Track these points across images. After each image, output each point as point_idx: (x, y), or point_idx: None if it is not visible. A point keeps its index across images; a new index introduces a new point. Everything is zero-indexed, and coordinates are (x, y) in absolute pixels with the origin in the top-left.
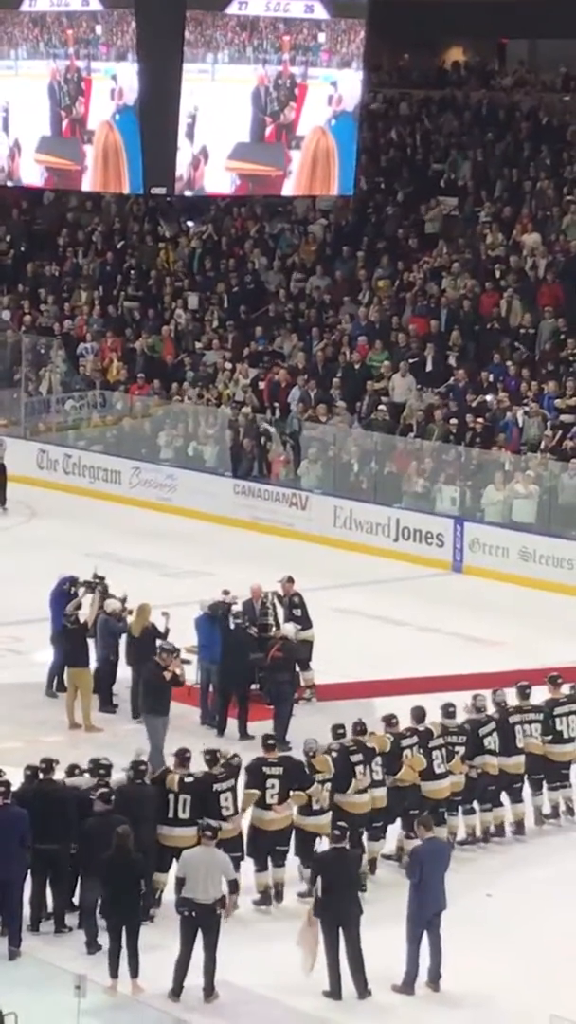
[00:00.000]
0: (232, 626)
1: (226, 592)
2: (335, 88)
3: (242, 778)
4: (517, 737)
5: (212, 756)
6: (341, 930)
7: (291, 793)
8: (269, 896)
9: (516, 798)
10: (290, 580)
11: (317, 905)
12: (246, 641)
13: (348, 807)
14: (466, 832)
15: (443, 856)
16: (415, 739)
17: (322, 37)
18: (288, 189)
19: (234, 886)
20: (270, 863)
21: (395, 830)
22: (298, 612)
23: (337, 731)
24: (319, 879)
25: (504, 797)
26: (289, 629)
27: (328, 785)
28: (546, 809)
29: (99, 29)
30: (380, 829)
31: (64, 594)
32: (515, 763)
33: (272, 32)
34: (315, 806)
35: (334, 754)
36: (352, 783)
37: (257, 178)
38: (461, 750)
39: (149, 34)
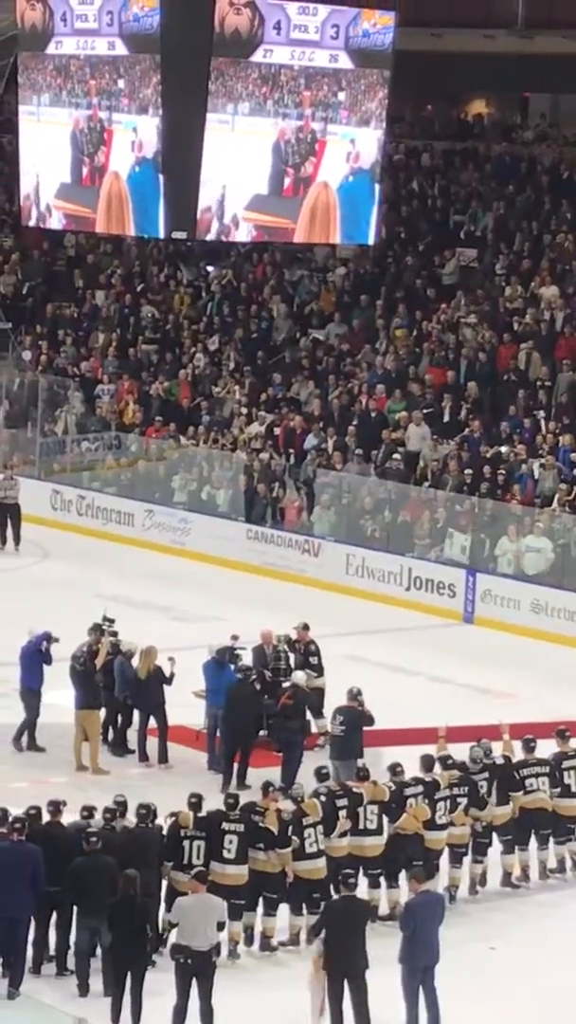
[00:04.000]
0: (239, 676)
1: (235, 637)
2: (353, 145)
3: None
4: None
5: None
6: (347, 981)
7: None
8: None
9: (507, 849)
10: (305, 627)
11: (323, 955)
12: (251, 694)
13: (329, 851)
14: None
15: (437, 909)
16: (420, 788)
17: (342, 95)
18: (296, 237)
19: (220, 927)
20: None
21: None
22: (314, 660)
23: (320, 771)
24: (324, 929)
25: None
26: (300, 676)
27: (320, 828)
28: (552, 863)
29: (121, 82)
30: (377, 876)
31: (38, 652)
32: (502, 813)
33: (294, 87)
34: (308, 849)
35: (322, 798)
36: (335, 827)
37: (271, 229)
38: (464, 801)
39: (175, 77)
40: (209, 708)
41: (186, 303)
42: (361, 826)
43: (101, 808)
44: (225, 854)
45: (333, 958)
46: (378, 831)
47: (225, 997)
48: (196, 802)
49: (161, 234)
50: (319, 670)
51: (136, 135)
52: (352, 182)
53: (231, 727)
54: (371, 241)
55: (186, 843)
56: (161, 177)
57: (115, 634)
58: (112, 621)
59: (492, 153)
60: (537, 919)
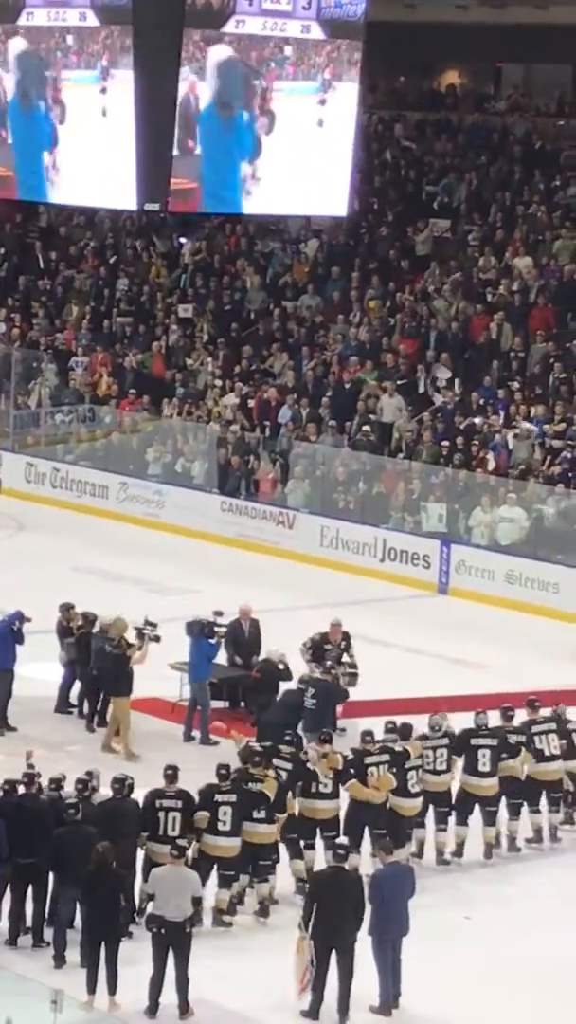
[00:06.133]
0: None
1: (219, 613)
2: (326, 109)
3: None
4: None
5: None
6: (334, 952)
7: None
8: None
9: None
10: (337, 624)
11: (311, 926)
12: (298, 705)
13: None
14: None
15: (405, 880)
16: (387, 757)
17: (314, 58)
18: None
19: (195, 901)
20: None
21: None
22: (348, 658)
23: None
24: (314, 900)
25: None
26: (274, 652)
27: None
28: (528, 833)
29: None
30: (332, 839)
31: (11, 632)
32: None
33: (265, 51)
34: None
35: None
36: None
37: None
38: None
39: (147, 48)
40: (191, 682)
41: (160, 275)
42: (314, 790)
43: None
44: (220, 826)
45: (321, 929)
46: (332, 795)
47: (206, 965)
48: (172, 773)
49: (134, 205)
50: (353, 668)
51: (104, 100)
52: (325, 147)
53: (267, 725)
54: (344, 212)
55: (161, 814)
56: (135, 149)
57: (157, 639)
58: (155, 625)
59: (465, 124)
60: (513, 887)
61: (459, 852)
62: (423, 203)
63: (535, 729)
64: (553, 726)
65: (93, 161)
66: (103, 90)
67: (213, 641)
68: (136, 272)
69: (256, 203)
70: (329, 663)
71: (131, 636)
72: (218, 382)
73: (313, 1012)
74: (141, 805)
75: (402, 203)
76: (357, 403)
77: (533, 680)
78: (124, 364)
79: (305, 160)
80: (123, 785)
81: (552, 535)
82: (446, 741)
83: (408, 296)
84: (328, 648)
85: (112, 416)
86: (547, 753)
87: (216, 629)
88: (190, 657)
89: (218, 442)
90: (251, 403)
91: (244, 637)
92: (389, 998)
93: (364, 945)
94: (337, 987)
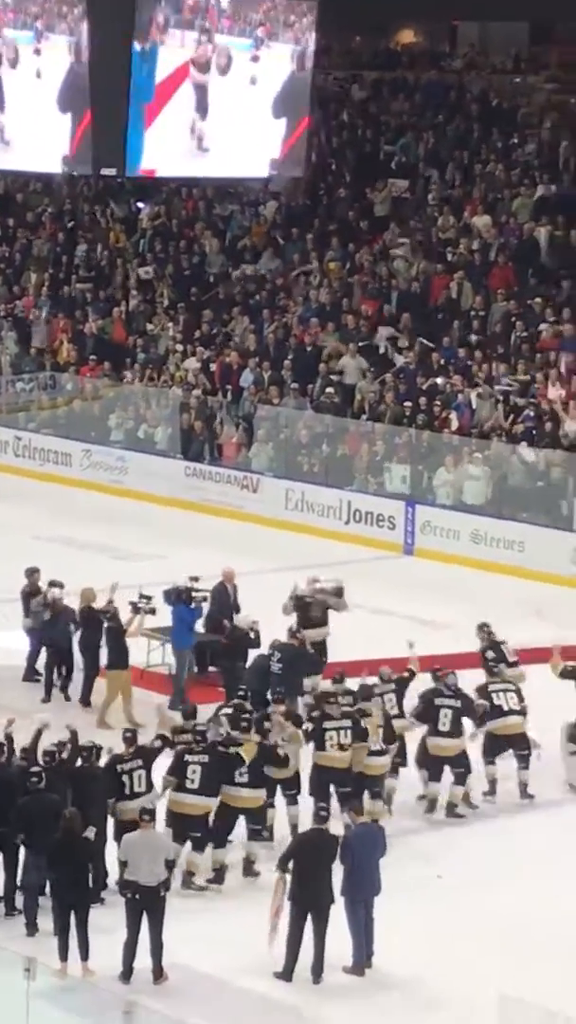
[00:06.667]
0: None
1: (194, 579)
2: (279, 68)
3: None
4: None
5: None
6: (311, 914)
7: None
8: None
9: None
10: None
11: (289, 887)
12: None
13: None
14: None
15: (375, 841)
16: (348, 723)
17: (271, 17)
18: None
19: (169, 865)
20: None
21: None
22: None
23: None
24: (292, 861)
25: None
26: (243, 619)
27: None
28: (484, 786)
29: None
30: (294, 795)
31: None
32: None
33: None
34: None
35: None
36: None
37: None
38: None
39: (101, 10)
40: (174, 651)
41: (119, 240)
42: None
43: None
44: (188, 784)
45: (300, 891)
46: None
47: (180, 929)
48: (130, 736)
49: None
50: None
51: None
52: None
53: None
54: (302, 174)
55: (125, 777)
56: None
57: (153, 611)
58: (149, 598)
59: (421, 83)
60: (483, 845)
61: (431, 808)
62: (381, 163)
63: (492, 688)
64: (511, 686)
65: (23, 124)
66: (36, 51)
67: (193, 607)
68: (94, 237)
69: (204, 165)
70: (293, 627)
71: (124, 610)
72: (179, 347)
73: (287, 973)
74: (103, 774)
75: (360, 163)
76: (319, 365)
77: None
78: (84, 330)
79: (239, 117)
80: (91, 752)
81: (516, 494)
82: (393, 686)
83: (367, 257)
84: (310, 601)
85: (73, 383)
86: (506, 708)
87: (195, 595)
88: (173, 625)
89: (180, 407)
90: (213, 367)
91: (230, 600)
92: (362, 958)
93: (337, 906)
94: (312, 949)
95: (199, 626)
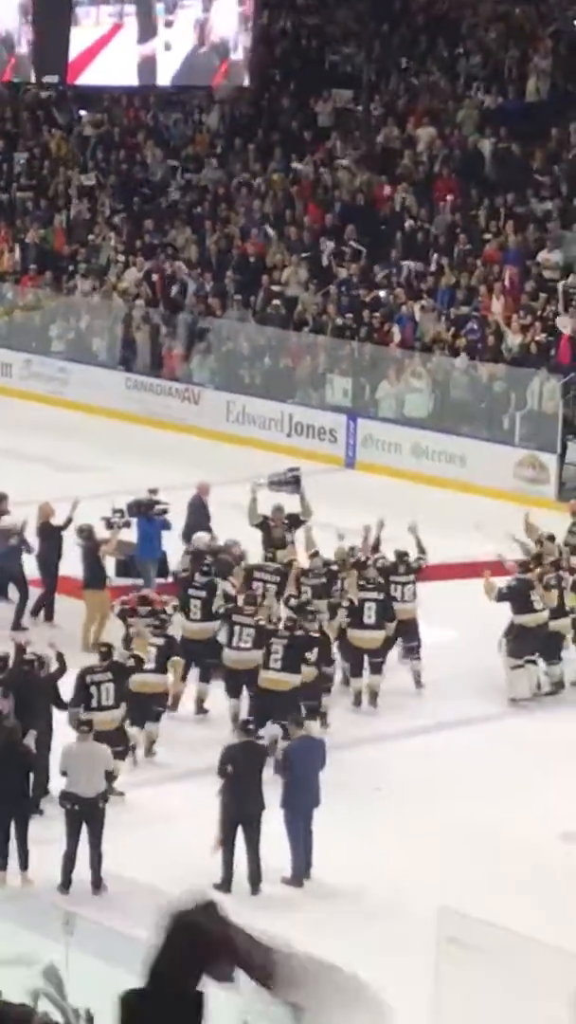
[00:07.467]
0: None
1: (153, 491)
2: None
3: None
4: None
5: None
6: (241, 826)
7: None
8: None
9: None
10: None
11: (220, 800)
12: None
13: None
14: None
15: (316, 753)
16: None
17: None
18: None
19: (108, 776)
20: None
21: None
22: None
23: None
24: (227, 767)
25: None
26: (202, 537)
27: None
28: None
29: None
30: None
31: None
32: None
33: None
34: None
35: None
36: None
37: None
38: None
39: None
40: (140, 561)
41: (61, 149)
42: (233, 644)
43: None
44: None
45: (228, 803)
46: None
47: (119, 839)
48: (105, 651)
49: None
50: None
51: None
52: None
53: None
54: (246, 83)
55: (93, 688)
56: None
57: (128, 524)
58: (122, 512)
59: None
60: (424, 758)
61: (358, 700)
62: (325, 73)
63: (393, 580)
64: (412, 578)
65: None
66: None
67: (150, 520)
68: (35, 145)
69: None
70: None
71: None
72: (121, 257)
73: (225, 885)
74: (74, 683)
75: (304, 74)
76: (261, 277)
77: (442, 553)
78: (25, 239)
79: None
80: (32, 665)
81: (458, 407)
82: (324, 580)
83: (311, 168)
84: (273, 525)
85: (14, 292)
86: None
87: (157, 507)
88: (137, 538)
89: (122, 318)
90: (155, 278)
91: (207, 511)
92: (301, 870)
93: (277, 818)
94: (246, 860)
95: (177, 539)
